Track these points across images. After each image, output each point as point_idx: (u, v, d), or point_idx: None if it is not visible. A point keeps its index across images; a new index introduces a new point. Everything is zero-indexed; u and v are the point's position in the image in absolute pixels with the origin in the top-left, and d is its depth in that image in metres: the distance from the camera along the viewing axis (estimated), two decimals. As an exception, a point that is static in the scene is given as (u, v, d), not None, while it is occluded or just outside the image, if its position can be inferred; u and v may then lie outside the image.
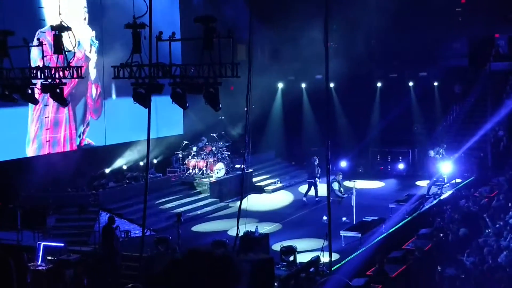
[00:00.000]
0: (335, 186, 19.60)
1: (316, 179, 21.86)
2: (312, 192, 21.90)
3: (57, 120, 19.89)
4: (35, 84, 12.60)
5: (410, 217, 18.37)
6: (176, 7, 24.58)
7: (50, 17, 18.58)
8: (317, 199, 21.71)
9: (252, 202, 19.91)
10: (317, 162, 22.02)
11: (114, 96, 22.13)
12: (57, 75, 12.14)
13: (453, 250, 14.26)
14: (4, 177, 17.85)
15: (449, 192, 21.19)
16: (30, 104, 16.09)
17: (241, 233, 13.36)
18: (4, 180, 17.85)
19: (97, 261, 15.18)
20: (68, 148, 20.41)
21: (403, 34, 27.06)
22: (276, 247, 15.61)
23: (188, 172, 23.07)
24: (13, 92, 12.60)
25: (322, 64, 12.37)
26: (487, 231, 15.00)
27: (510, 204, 16.74)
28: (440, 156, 23.92)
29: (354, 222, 17.58)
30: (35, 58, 13.87)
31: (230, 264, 2.78)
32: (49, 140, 19.67)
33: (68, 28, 11.71)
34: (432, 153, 22.92)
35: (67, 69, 12.13)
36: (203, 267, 2.77)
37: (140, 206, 18.70)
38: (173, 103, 11.26)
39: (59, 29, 11.68)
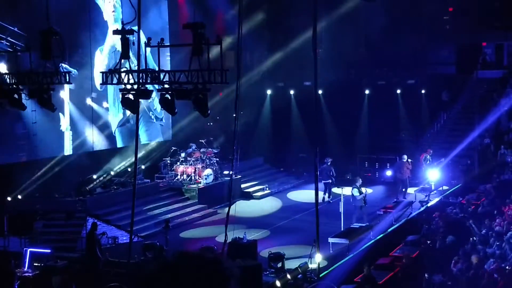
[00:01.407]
0: (355, 192, 19.29)
1: (333, 179, 22.52)
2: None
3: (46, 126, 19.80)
4: (22, 89, 12.54)
5: (397, 224, 18.43)
6: (165, 13, 24.56)
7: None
8: (329, 199, 22.11)
9: (241, 208, 19.85)
10: (330, 162, 22.75)
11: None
12: (44, 81, 12.10)
13: (441, 257, 14.32)
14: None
15: (437, 199, 21.28)
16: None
17: (229, 240, 13.36)
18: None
19: (84, 267, 15.09)
20: (55, 154, 20.28)
21: (391, 41, 27.21)
22: (264, 253, 15.61)
23: (177, 178, 23.01)
24: (0, 97, 12.54)
25: (310, 71, 12.43)
26: (473, 238, 15.08)
27: (495, 212, 16.86)
28: (428, 162, 24.08)
29: (342, 229, 17.62)
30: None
31: (221, 267, 2.78)
32: (37, 145, 19.55)
33: (57, 34, 11.68)
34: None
35: (55, 74, 12.10)
36: (193, 270, 2.77)
37: (128, 212, 18.63)
38: (162, 109, 11.26)
39: (48, 35, 11.65)
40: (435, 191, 22.59)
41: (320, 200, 21.72)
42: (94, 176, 21.08)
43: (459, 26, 29.48)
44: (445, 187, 23.11)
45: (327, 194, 22.77)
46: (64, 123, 20.46)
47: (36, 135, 19.15)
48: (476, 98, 28.48)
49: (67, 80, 13.09)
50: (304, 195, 24.19)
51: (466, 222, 16.30)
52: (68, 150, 20.70)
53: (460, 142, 25.01)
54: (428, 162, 24.23)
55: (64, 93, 20.12)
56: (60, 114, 19.96)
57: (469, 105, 28.34)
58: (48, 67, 12.20)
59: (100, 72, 11.95)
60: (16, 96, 12.68)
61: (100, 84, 12.27)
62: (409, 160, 23.12)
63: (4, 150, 18.60)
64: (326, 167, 22.68)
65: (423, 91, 28.79)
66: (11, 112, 15.33)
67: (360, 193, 19.01)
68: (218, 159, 23.81)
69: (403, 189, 22.76)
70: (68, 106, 20.55)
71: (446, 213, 17.74)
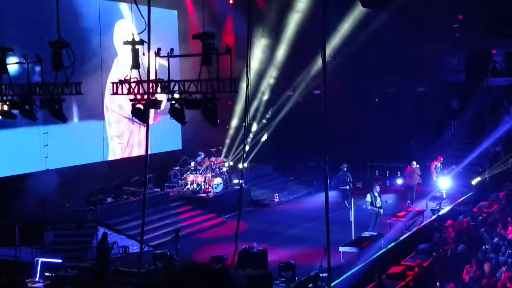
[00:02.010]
0: (367, 198, 19.18)
1: (350, 185, 22.83)
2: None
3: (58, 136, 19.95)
4: (34, 101, 12.64)
5: (409, 233, 18.33)
6: (175, 23, 24.69)
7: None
8: (348, 207, 21.97)
9: (251, 217, 19.88)
10: (346, 168, 23.04)
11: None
12: (56, 91, 12.18)
13: (452, 265, 14.22)
14: (2, 193, 17.81)
15: (448, 208, 21.16)
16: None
17: (239, 249, 13.34)
18: (1, 196, 17.80)
19: (95, 276, 15.11)
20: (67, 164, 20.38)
21: (400, 49, 27.18)
22: (275, 262, 15.56)
23: (186, 187, 23.04)
24: (12, 108, 12.63)
25: (319, 79, 12.47)
26: (485, 247, 14.97)
27: (509, 219, 16.72)
28: (438, 170, 23.99)
29: (353, 238, 17.55)
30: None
31: (228, 278, 2.79)
32: (47, 156, 19.65)
33: (67, 45, 11.76)
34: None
35: (67, 85, 12.18)
36: (200, 281, 2.78)
37: (138, 221, 18.72)
38: (172, 118, 11.30)
39: (58, 46, 11.73)
40: (446, 200, 22.47)
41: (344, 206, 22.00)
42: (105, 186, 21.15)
43: (468, 34, 29.40)
44: (456, 195, 22.97)
45: (346, 201, 22.59)
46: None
47: (48, 146, 19.27)
48: (486, 105, 28.36)
49: (78, 91, 13.19)
50: (314, 203, 24.12)
51: (478, 230, 16.20)
52: (80, 159, 20.81)
53: (471, 150, 24.88)
54: (439, 170, 24.13)
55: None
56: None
57: (479, 112, 28.21)
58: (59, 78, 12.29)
59: (111, 82, 12.02)
60: (27, 107, 12.78)
61: (111, 94, 12.34)
62: (417, 166, 23.10)
63: (16, 160, 18.71)
64: (342, 173, 22.87)
65: (433, 99, 28.69)
66: (22, 122, 15.42)
67: (374, 205, 18.96)
68: (227, 168, 23.83)
69: (412, 195, 22.68)
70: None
71: (458, 221, 17.63)
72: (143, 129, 22.51)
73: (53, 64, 11.83)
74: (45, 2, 18.00)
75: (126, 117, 22.09)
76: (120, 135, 22.59)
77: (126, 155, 22.71)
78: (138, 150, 23.03)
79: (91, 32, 20.82)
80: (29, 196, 18.38)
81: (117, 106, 21.93)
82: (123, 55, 19.81)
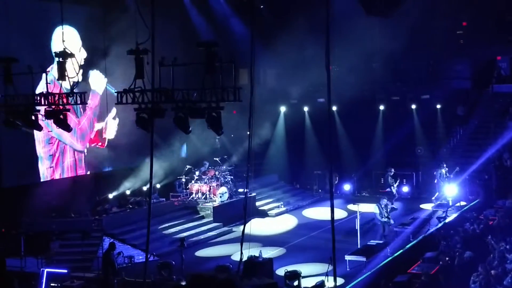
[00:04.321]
0: (376, 209, 19.51)
1: (392, 188, 23.90)
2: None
3: (62, 146, 20.01)
4: (38, 111, 12.67)
5: (415, 241, 18.23)
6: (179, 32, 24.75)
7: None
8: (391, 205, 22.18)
9: (256, 226, 19.82)
10: (392, 173, 24.29)
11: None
12: (60, 101, 12.20)
13: (459, 273, 14.12)
14: (7, 203, 17.83)
15: (454, 215, 21.06)
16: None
17: (245, 258, 13.29)
18: (7, 206, 17.82)
19: (100, 287, 15.09)
20: (72, 174, 20.44)
21: (405, 57, 27.15)
22: (280, 271, 15.50)
23: (191, 196, 23.02)
24: (16, 119, 12.65)
25: (324, 88, 12.43)
26: (492, 255, 14.86)
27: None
28: (445, 176, 23.93)
29: (359, 246, 17.47)
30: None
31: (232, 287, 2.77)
32: (52, 166, 19.71)
33: (71, 55, 11.81)
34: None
35: (71, 95, 12.21)
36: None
37: (143, 231, 18.74)
38: (176, 127, 11.29)
39: (63, 56, 11.77)
40: (452, 207, 22.36)
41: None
42: (110, 196, 21.19)
43: (473, 40, 29.33)
44: (462, 203, 22.87)
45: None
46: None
47: (52, 156, 19.33)
48: (492, 112, 28.26)
49: (83, 101, 13.21)
50: (320, 212, 24.08)
51: (485, 238, 16.09)
52: (83, 169, 20.85)
53: (477, 157, 24.78)
54: (444, 176, 24.07)
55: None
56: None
57: (485, 119, 28.12)
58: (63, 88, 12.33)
59: (115, 92, 12.04)
60: (32, 117, 12.80)
61: (115, 104, 12.36)
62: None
63: (19, 171, 18.75)
64: (387, 177, 24.33)
65: (438, 106, 28.62)
66: (25, 133, 15.47)
67: (383, 216, 19.29)
68: (232, 177, 23.82)
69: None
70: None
71: (464, 229, 17.53)
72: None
73: (58, 74, 11.89)
74: (49, 13, 18.13)
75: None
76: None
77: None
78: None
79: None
80: (34, 206, 18.42)
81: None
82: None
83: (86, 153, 21.27)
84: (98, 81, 21.40)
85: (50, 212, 19.09)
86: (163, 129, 13.69)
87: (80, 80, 17.87)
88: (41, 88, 13.64)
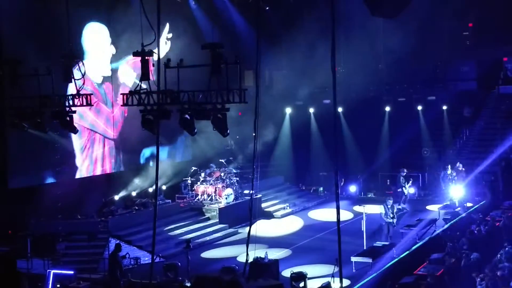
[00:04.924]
0: (382, 209, 19.53)
1: (403, 188, 23.66)
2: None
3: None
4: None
5: (421, 242, 18.19)
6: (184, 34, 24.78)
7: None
8: (402, 206, 22.47)
9: (262, 227, 19.81)
10: (405, 173, 24.01)
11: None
12: (66, 103, 12.26)
13: (465, 275, 14.07)
14: (14, 205, 17.87)
15: (461, 216, 20.98)
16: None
17: (250, 259, 13.28)
18: (14, 208, 17.87)
19: (106, 288, 15.12)
20: (79, 175, 20.51)
21: (411, 58, 27.11)
22: (286, 273, 15.49)
23: (197, 198, 23.04)
24: (22, 121, 12.72)
25: (330, 89, 12.45)
26: (498, 256, 14.81)
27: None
28: (449, 178, 23.87)
29: (365, 247, 17.45)
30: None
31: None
32: (59, 168, 19.78)
33: (77, 57, 11.86)
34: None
35: (77, 97, 12.26)
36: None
37: (149, 232, 18.78)
38: (182, 129, 11.32)
39: (69, 58, 11.83)
40: (459, 208, 22.29)
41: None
42: (116, 197, 21.23)
43: (479, 42, 29.27)
44: (469, 204, 22.80)
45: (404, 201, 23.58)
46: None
47: (59, 157, 19.39)
48: (498, 113, 28.18)
49: (89, 103, 13.27)
50: (326, 213, 24.06)
51: (491, 239, 16.03)
52: (89, 171, 20.90)
53: (484, 158, 24.72)
54: (450, 177, 24.02)
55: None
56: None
57: (491, 120, 28.04)
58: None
59: (121, 94, 12.08)
60: (38, 119, 12.87)
61: (121, 105, 12.42)
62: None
63: (26, 172, 18.80)
64: (399, 177, 24.10)
65: (444, 107, 28.57)
66: (32, 134, 15.51)
67: (388, 216, 19.24)
68: (238, 179, 23.82)
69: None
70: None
71: (470, 230, 17.48)
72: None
73: (64, 76, 11.94)
74: (56, 15, 18.17)
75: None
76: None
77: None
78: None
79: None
80: (41, 208, 18.47)
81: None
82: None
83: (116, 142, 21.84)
84: (127, 74, 21.98)
85: (56, 213, 19.14)
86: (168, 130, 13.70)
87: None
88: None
